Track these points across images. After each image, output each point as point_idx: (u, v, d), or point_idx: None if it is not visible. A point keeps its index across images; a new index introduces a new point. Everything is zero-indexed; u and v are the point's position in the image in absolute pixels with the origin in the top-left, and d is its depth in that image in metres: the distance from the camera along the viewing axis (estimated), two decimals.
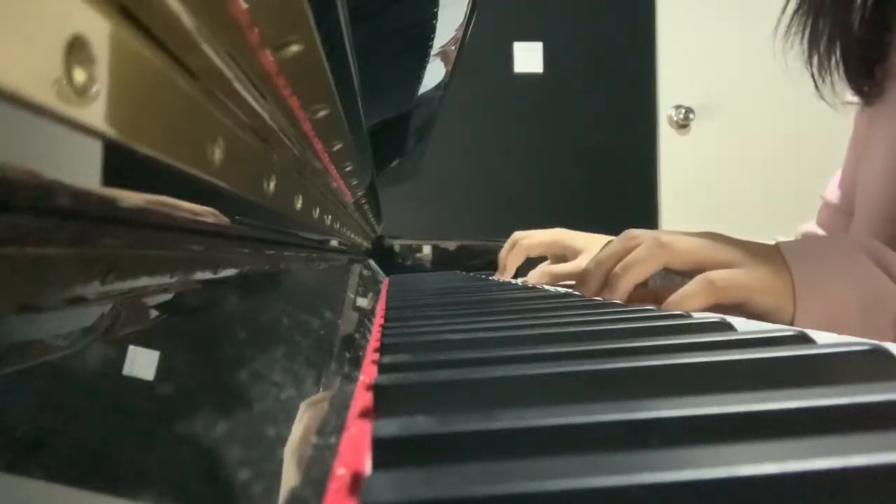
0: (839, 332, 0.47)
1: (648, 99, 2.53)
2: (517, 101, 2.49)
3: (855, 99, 0.74)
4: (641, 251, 0.53)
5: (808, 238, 0.55)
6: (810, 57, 0.72)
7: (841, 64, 0.71)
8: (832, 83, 0.72)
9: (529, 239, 0.97)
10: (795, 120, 2.36)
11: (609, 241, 0.60)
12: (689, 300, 0.48)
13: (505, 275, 0.99)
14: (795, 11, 0.72)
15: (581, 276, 0.60)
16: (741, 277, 0.49)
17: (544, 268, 0.92)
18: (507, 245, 1.01)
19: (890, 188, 0.67)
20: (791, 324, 0.49)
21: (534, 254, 0.95)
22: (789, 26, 0.73)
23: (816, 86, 0.72)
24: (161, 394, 0.19)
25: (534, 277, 0.91)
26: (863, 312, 0.48)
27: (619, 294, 0.53)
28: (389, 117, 0.95)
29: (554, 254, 0.98)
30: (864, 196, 0.73)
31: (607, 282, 0.55)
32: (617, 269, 0.54)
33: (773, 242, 0.54)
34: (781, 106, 2.38)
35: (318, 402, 0.24)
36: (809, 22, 0.72)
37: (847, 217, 0.78)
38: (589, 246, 0.91)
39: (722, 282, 0.48)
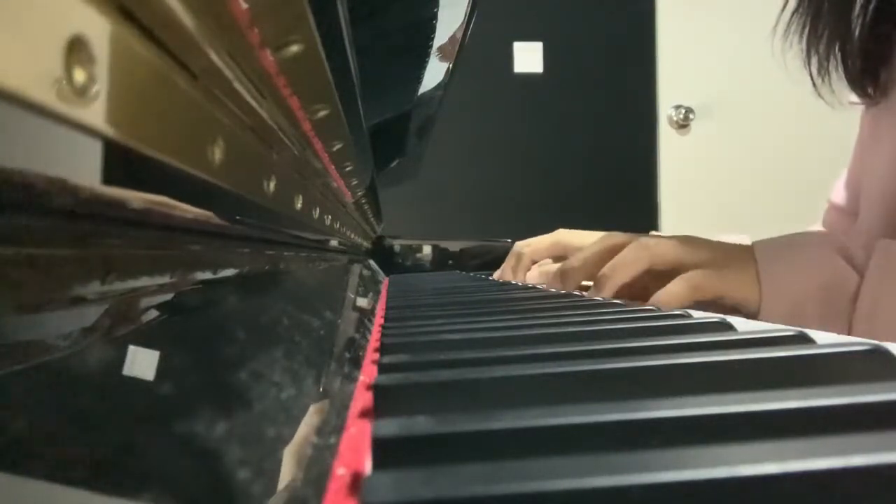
0: (802, 319, 0.53)
1: (648, 99, 2.53)
2: (517, 101, 2.49)
3: (858, 100, 0.74)
4: (627, 254, 0.58)
5: (779, 236, 0.61)
6: (809, 57, 0.72)
7: (840, 65, 0.71)
8: (830, 83, 0.72)
9: (532, 246, 0.98)
10: (796, 120, 2.37)
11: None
12: (672, 299, 0.53)
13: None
14: (795, 11, 0.72)
15: (563, 273, 0.65)
16: (715, 277, 0.55)
17: (543, 267, 0.93)
18: (510, 258, 1.02)
19: (892, 187, 0.67)
20: (757, 312, 0.55)
21: (539, 259, 0.95)
22: (788, 25, 0.73)
23: (815, 85, 0.73)
24: (161, 394, 0.19)
25: (533, 277, 0.92)
26: (825, 297, 0.53)
27: (605, 294, 0.58)
28: (389, 117, 0.95)
29: (557, 255, 0.99)
30: (869, 195, 0.73)
31: (595, 282, 0.60)
32: (605, 270, 0.59)
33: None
34: (782, 106, 2.38)
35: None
36: (809, 22, 0.72)
37: (853, 218, 0.78)
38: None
39: (699, 280, 0.54)
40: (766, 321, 0.53)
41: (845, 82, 0.72)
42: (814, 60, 0.72)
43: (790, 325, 0.53)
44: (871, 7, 0.69)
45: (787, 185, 2.42)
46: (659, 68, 2.53)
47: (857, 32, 0.70)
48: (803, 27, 0.72)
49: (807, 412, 0.15)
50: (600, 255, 0.60)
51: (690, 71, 2.51)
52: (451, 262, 1.35)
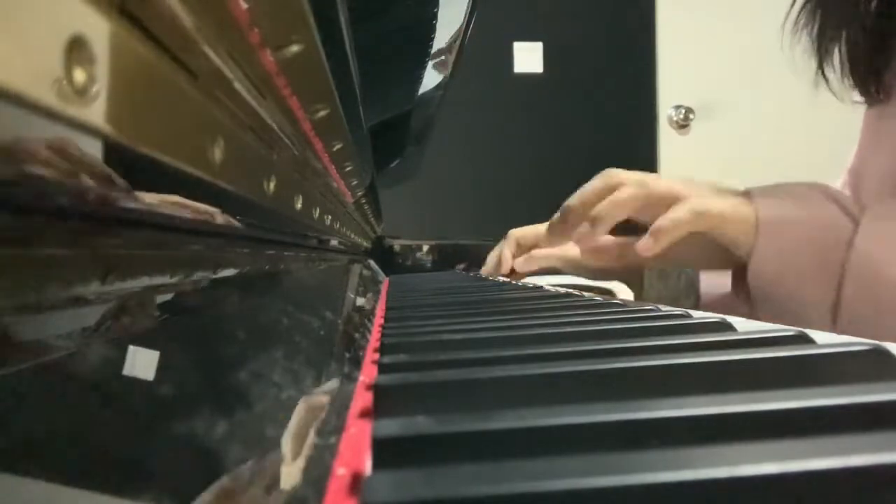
0: (795, 264, 0.53)
1: (648, 99, 2.53)
2: (517, 101, 2.49)
3: (860, 99, 0.75)
4: (624, 191, 0.57)
5: (776, 184, 0.62)
6: (817, 51, 0.73)
7: (847, 63, 0.72)
8: (837, 78, 0.73)
9: (522, 232, 0.98)
10: (795, 120, 2.37)
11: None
12: (673, 225, 0.53)
13: (501, 272, 0.99)
14: (803, 7, 0.73)
15: (563, 214, 0.64)
16: (717, 206, 0.54)
17: (534, 251, 0.93)
18: (504, 244, 1.01)
19: (895, 182, 0.67)
20: (749, 254, 0.54)
21: (526, 242, 0.95)
22: (797, 21, 0.73)
23: (826, 80, 0.73)
24: (161, 394, 0.19)
25: (519, 265, 0.92)
26: (819, 243, 0.53)
27: (601, 229, 0.58)
28: (389, 117, 0.95)
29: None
30: (869, 194, 0.73)
31: (591, 220, 0.60)
32: (600, 208, 0.58)
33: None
34: (782, 106, 2.38)
35: (315, 402, 0.24)
36: (817, 17, 0.72)
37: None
38: None
39: (701, 206, 0.54)
40: (757, 263, 0.54)
41: (850, 80, 0.72)
42: (820, 56, 0.73)
43: (781, 270, 0.52)
44: (872, 9, 0.69)
45: None
46: (659, 68, 2.53)
47: (860, 34, 0.71)
48: (811, 23, 0.73)
49: (807, 412, 0.15)
50: (599, 194, 0.60)
51: (690, 71, 2.51)
52: (450, 262, 1.35)
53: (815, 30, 0.72)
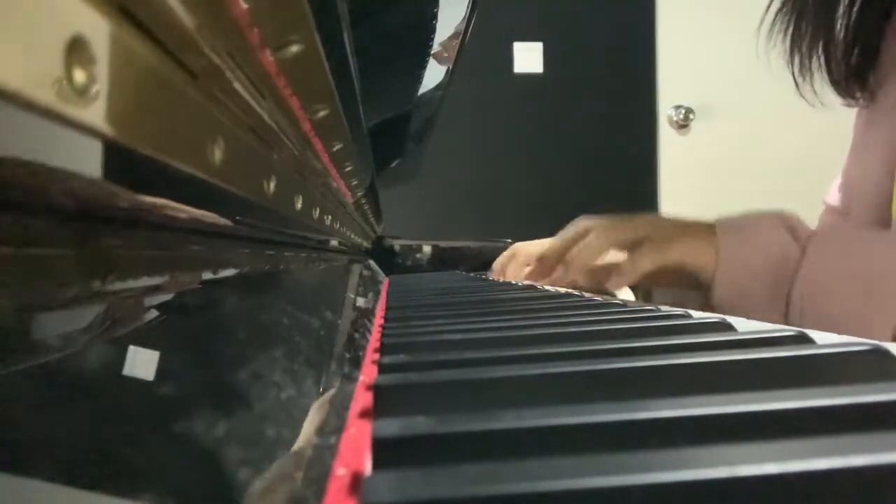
0: (752, 287, 0.58)
1: (648, 99, 2.53)
2: (517, 101, 2.49)
3: (845, 102, 0.75)
4: (591, 238, 0.65)
5: (739, 213, 0.68)
6: (791, 56, 0.73)
7: (823, 66, 0.72)
8: (813, 83, 0.73)
9: (527, 250, 0.99)
10: (795, 120, 2.37)
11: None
12: (636, 267, 0.60)
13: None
14: (779, 10, 0.73)
15: (540, 259, 0.74)
16: (673, 245, 0.61)
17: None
18: (505, 255, 1.02)
19: (883, 190, 0.67)
20: (712, 279, 0.60)
21: (532, 261, 0.96)
22: (772, 24, 0.73)
23: (797, 85, 0.74)
24: (161, 394, 0.19)
25: (531, 276, 0.92)
26: (773, 268, 0.58)
27: (573, 273, 0.66)
28: (389, 117, 0.95)
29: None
30: (861, 197, 0.73)
31: (563, 266, 0.68)
32: (571, 254, 0.66)
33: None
34: (781, 106, 2.38)
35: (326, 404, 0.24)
36: (793, 21, 0.72)
37: (848, 218, 0.78)
38: None
39: (657, 250, 0.60)
40: (719, 288, 0.59)
41: (828, 83, 0.73)
42: (796, 60, 0.73)
43: (737, 301, 0.58)
44: (855, 10, 0.69)
45: (787, 186, 2.42)
46: (659, 68, 2.53)
47: (841, 35, 0.71)
48: (787, 26, 0.73)
49: (807, 412, 0.15)
50: (572, 240, 0.67)
51: (690, 71, 2.51)
52: (450, 262, 1.35)
53: (791, 32, 0.72)
